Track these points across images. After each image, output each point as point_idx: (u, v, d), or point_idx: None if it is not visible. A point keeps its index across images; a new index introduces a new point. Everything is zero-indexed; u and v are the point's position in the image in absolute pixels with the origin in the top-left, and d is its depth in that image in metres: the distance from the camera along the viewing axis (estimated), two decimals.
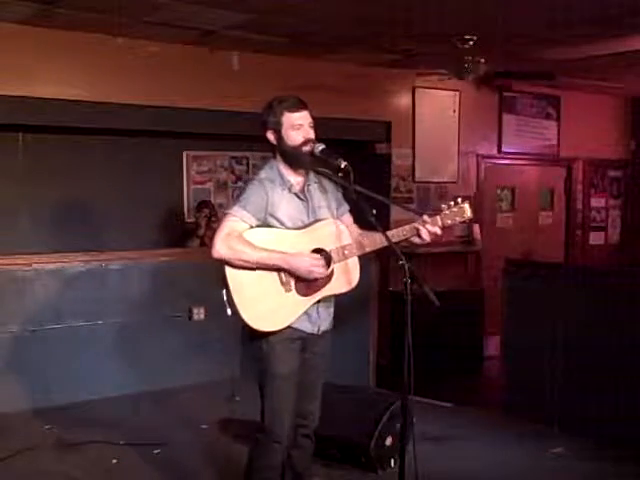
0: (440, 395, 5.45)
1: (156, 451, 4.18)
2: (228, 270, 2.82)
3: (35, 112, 5.33)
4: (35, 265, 5.11)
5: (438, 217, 2.94)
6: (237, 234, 2.81)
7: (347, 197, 3.06)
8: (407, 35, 5.66)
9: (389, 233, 2.86)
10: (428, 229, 2.88)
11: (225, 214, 2.91)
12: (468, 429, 4.78)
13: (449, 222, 2.95)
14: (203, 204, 6.56)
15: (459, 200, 2.96)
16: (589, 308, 4.68)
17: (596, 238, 9.13)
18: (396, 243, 2.86)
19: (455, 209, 2.94)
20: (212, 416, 4.66)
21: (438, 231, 2.91)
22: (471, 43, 5.62)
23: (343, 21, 5.22)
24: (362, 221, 2.97)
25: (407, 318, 2.60)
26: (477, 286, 7.79)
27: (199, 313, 5.62)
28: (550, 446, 4.41)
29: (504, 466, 4.14)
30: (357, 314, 5.99)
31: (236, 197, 2.97)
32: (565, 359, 4.82)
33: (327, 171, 3.03)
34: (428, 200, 7.54)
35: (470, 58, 5.84)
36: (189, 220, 6.87)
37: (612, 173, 9.24)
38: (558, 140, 8.54)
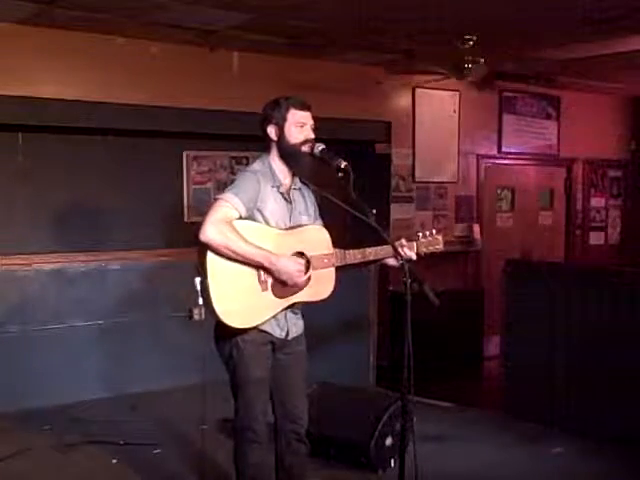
0: (440, 395, 5.45)
1: (156, 451, 4.19)
2: (210, 257, 2.72)
3: (35, 112, 5.32)
4: (35, 265, 5.12)
5: (415, 243, 3.08)
6: (228, 221, 2.72)
7: (348, 198, 3.05)
8: (407, 35, 5.66)
9: (369, 250, 2.95)
10: (406, 252, 2.98)
11: (216, 199, 2.80)
12: (468, 429, 4.78)
13: (424, 250, 3.12)
14: None
15: (434, 231, 3.18)
16: (589, 308, 4.68)
17: (596, 238, 9.12)
18: (373, 261, 3.00)
19: (430, 238, 3.13)
20: (212, 416, 4.66)
21: (413, 256, 3.03)
22: (471, 43, 5.62)
23: (343, 21, 5.22)
24: (360, 222, 2.96)
25: (407, 318, 2.61)
26: (477, 286, 7.79)
27: (199, 313, 5.60)
28: (550, 446, 4.41)
29: (504, 466, 4.15)
30: (357, 314, 5.99)
31: (229, 185, 2.87)
32: (565, 359, 4.82)
33: (309, 183, 3.06)
34: (428, 200, 7.55)
35: (470, 58, 5.84)
36: (189, 220, 6.85)
37: (612, 173, 9.22)
38: (558, 140, 8.53)
